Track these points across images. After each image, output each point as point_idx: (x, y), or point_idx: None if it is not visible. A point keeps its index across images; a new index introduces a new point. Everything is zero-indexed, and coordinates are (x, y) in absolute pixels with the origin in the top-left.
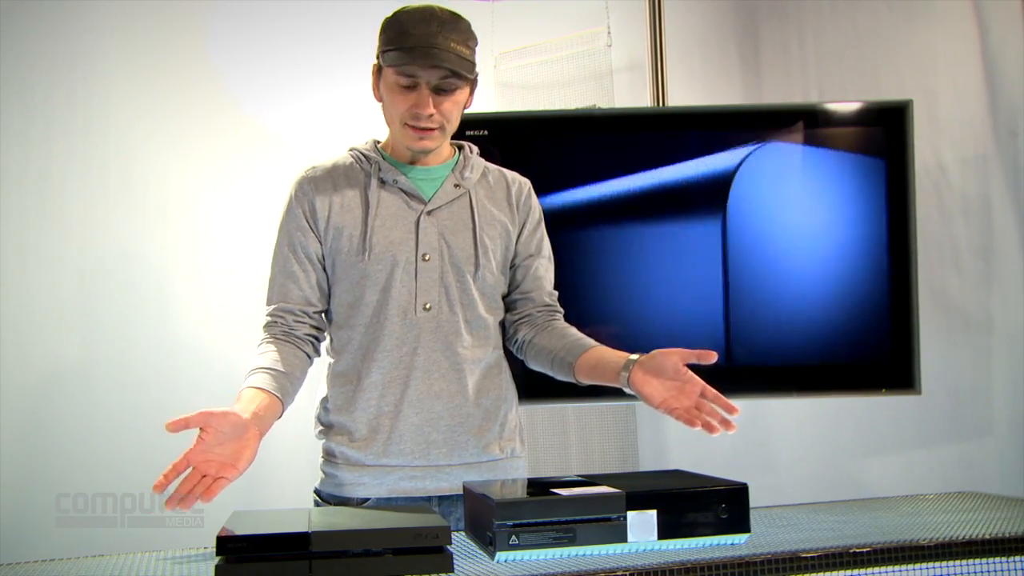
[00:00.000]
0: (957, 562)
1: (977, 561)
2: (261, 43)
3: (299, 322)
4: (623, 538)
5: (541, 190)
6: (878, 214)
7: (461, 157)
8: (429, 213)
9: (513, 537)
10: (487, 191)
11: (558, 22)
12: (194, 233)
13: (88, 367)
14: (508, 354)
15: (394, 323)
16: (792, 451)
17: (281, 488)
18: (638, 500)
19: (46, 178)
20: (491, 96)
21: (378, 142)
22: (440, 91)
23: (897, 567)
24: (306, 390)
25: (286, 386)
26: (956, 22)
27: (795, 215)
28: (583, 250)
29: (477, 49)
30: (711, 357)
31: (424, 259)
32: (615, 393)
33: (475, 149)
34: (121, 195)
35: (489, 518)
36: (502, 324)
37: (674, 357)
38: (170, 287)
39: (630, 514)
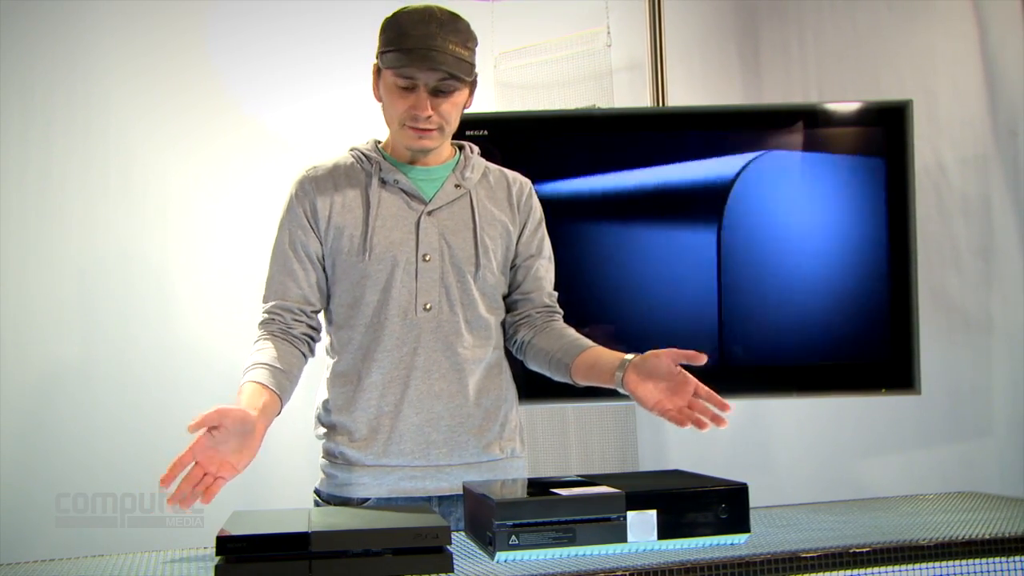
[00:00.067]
0: (957, 562)
1: (977, 561)
2: (261, 43)
3: (297, 320)
4: (623, 538)
5: (541, 190)
6: (878, 214)
7: (462, 157)
8: (430, 213)
9: (513, 537)
10: (488, 191)
11: (558, 22)
12: (194, 233)
13: (88, 367)
14: (508, 354)
15: (394, 323)
16: (792, 451)
17: (281, 488)
18: (638, 500)
19: (46, 178)
20: (491, 96)
21: (379, 142)
22: (438, 93)
23: (897, 567)
24: (304, 390)
25: (285, 384)
26: (956, 22)
27: (795, 215)
28: (583, 249)
29: (477, 49)
30: (701, 359)
31: (424, 259)
32: (615, 393)
33: (476, 149)
34: (121, 195)
35: (489, 518)
36: (502, 324)
37: (666, 358)
38: (170, 287)
39: (630, 514)
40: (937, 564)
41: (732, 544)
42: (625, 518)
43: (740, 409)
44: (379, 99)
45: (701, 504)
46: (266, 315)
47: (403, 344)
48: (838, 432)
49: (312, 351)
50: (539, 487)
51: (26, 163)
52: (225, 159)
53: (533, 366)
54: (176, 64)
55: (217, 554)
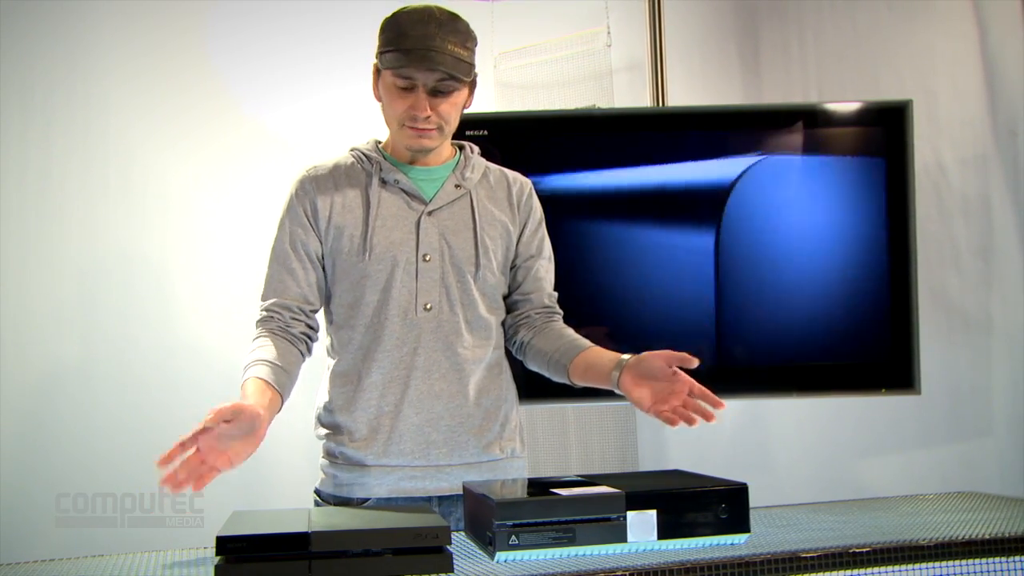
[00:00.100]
0: (957, 562)
1: (977, 561)
2: (261, 43)
3: (295, 319)
4: (623, 538)
5: (540, 190)
6: (878, 214)
7: (462, 157)
8: (430, 213)
9: (513, 537)
10: (488, 191)
11: (558, 22)
12: (194, 233)
13: (88, 367)
14: (508, 354)
15: (394, 323)
16: (791, 451)
17: (281, 488)
18: (638, 500)
19: (46, 178)
20: (491, 96)
21: (379, 142)
22: (437, 93)
23: (897, 567)
24: (304, 390)
25: (285, 383)
26: (956, 22)
27: (795, 214)
28: (583, 249)
29: (477, 49)
30: (693, 362)
31: (425, 259)
32: (614, 393)
33: (476, 149)
34: (121, 195)
35: (489, 518)
36: (503, 324)
37: (660, 360)
38: (170, 287)
39: (630, 514)
40: (937, 564)
41: (732, 544)
42: (625, 518)
43: (740, 409)
44: (379, 99)
45: (701, 504)
46: (265, 313)
47: (403, 344)
48: (838, 432)
49: (310, 350)
50: (539, 487)
51: (26, 163)
52: (225, 159)
53: (532, 367)
54: (176, 64)
55: (217, 554)
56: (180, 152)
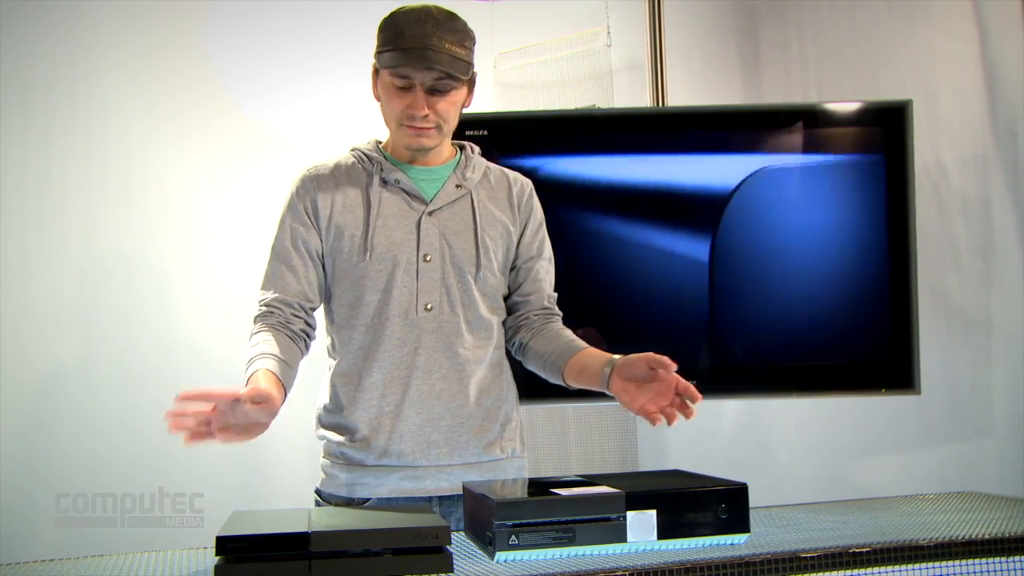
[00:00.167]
0: (957, 562)
1: (977, 561)
2: (261, 43)
3: (295, 316)
4: (623, 538)
5: (540, 189)
6: (878, 214)
7: (462, 157)
8: (430, 213)
9: (513, 537)
10: (488, 191)
11: (558, 22)
12: (194, 233)
13: (88, 367)
14: (509, 354)
15: (395, 323)
16: (791, 451)
17: (281, 488)
18: (638, 500)
19: (46, 178)
20: (491, 96)
21: (379, 142)
22: (435, 91)
23: (897, 567)
24: (304, 390)
25: (288, 378)
26: (956, 22)
27: (795, 214)
28: (582, 248)
29: (476, 48)
30: (671, 366)
31: (425, 259)
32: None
33: (476, 149)
34: (121, 195)
35: (489, 518)
36: (503, 325)
37: (642, 363)
38: (170, 287)
39: (630, 514)
40: (937, 564)
41: (732, 544)
42: (625, 518)
43: (740, 409)
44: (378, 99)
45: (701, 504)
46: (264, 308)
47: (404, 344)
48: (838, 432)
49: (308, 348)
50: (539, 487)
51: (26, 163)
52: (225, 159)
53: (531, 368)
54: (176, 64)
55: (217, 554)
56: (180, 152)
